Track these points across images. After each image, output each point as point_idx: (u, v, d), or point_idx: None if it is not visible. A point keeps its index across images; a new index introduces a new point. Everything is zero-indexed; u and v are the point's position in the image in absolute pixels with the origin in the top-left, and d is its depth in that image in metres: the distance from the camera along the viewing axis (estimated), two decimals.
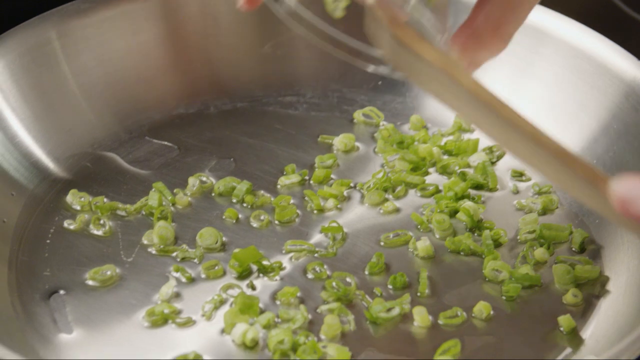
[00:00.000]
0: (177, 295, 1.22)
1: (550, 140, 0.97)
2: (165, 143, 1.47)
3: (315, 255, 1.28)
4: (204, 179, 1.39)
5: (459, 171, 1.41)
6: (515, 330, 1.19)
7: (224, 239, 1.30)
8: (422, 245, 1.29)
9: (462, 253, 1.29)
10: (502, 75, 1.47)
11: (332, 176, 1.41)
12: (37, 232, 1.31)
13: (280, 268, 1.26)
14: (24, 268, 1.25)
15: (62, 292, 1.22)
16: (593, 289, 1.25)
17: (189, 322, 1.19)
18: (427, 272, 1.25)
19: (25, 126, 1.39)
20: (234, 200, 1.36)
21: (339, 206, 1.36)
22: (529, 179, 1.41)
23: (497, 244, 1.30)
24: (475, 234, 1.32)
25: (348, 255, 1.29)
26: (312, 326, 1.19)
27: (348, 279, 1.24)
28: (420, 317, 1.20)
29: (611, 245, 1.29)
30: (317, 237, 1.31)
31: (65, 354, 1.15)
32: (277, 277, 1.25)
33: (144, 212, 1.34)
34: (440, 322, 1.20)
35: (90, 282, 1.24)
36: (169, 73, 1.53)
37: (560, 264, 1.26)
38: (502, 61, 1.47)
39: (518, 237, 1.31)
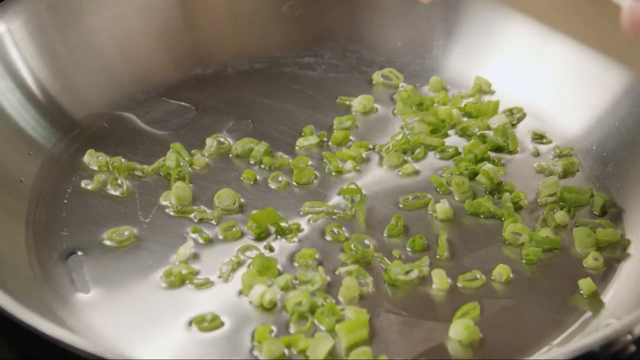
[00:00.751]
0: (195, 256, 1.22)
1: None
2: (183, 104, 1.46)
3: (334, 217, 1.28)
4: (222, 139, 1.39)
5: (478, 133, 1.40)
6: (534, 293, 1.19)
7: (241, 200, 1.29)
8: (441, 207, 1.28)
9: (481, 216, 1.28)
10: (524, 37, 1.46)
11: (351, 138, 1.40)
12: (54, 192, 1.30)
13: (299, 230, 1.25)
14: (41, 228, 1.25)
15: (79, 252, 1.22)
16: (614, 252, 1.23)
17: (206, 284, 1.18)
18: (446, 234, 1.25)
19: (43, 85, 1.39)
20: (252, 162, 1.36)
21: (357, 168, 1.35)
22: (549, 142, 1.39)
23: (517, 207, 1.29)
24: (495, 197, 1.31)
25: (366, 217, 1.28)
26: (330, 288, 1.18)
27: (366, 241, 1.24)
28: (439, 280, 1.19)
29: (633, 208, 1.28)
30: (335, 199, 1.31)
31: (83, 313, 1.15)
32: (295, 239, 1.24)
33: (161, 173, 1.33)
34: (459, 284, 1.19)
35: (107, 243, 1.23)
36: (187, 33, 1.52)
37: (581, 227, 1.25)
38: (525, 22, 1.46)
39: (538, 200, 1.30)
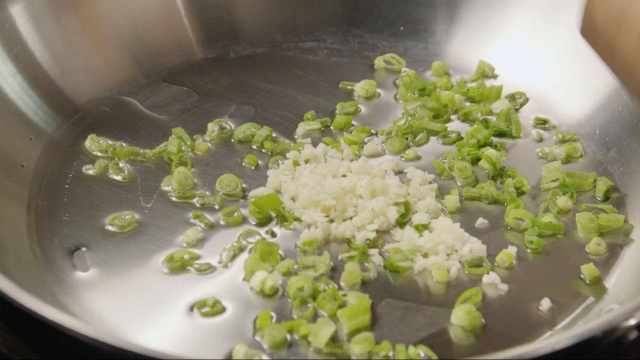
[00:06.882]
0: (197, 241, 1.22)
1: None
2: (184, 88, 1.46)
3: None
4: (224, 124, 1.38)
5: (481, 118, 1.39)
6: (537, 279, 1.18)
7: (243, 185, 1.29)
8: (450, 201, 1.26)
9: (484, 201, 1.27)
10: (528, 21, 1.45)
11: (353, 122, 1.40)
12: (56, 177, 1.30)
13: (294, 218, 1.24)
14: (43, 212, 1.25)
15: (83, 248, 1.21)
16: (617, 238, 1.23)
17: (208, 269, 1.18)
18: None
19: (44, 70, 1.38)
20: (254, 147, 1.35)
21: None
22: (552, 127, 1.39)
23: (520, 192, 1.28)
24: (498, 182, 1.30)
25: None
26: (333, 273, 1.18)
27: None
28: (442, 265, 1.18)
29: (636, 193, 1.27)
30: None
31: (84, 298, 1.15)
32: (292, 227, 1.23)
33: (163, 158, 1.33)
34: (465, 271, 1.18)
35: (109, 228, 1.23)
36: (188, 17, 1.52)
37: (583, 212, 1.24)
38: (528, 6, 1.46)
39: (541, 186, 1.30)
